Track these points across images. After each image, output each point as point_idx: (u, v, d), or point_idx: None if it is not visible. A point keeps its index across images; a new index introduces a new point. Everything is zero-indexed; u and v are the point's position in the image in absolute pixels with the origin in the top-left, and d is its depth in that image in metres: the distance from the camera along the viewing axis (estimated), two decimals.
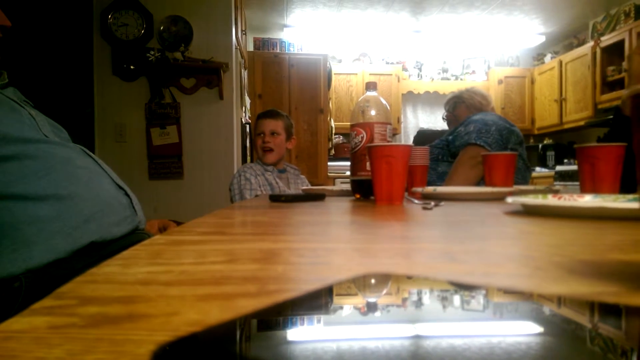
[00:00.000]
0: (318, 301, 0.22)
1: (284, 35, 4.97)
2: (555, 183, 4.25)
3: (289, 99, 4.38)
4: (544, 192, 1.08)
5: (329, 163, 4.64)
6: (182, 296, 0.23)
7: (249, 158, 3.55)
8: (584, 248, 0.37)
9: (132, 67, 2.95)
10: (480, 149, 1.69)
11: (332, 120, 4.91)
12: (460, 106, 2.01)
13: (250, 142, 3.64)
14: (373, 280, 0.25)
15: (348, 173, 1.11)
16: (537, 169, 4.95)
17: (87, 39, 2.98)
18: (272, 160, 2.12)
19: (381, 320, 0.19)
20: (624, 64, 4.12)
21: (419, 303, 0.21)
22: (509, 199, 0.71)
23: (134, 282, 0.26)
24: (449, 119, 2.09)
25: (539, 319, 0.19)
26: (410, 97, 5.58)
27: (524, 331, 0.17)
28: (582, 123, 4.62)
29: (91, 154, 1.02)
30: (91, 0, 2.92)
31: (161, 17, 2.95)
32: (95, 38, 2.94)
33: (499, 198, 0.99)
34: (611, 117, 4.12)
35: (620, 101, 1.87)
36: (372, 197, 1.03)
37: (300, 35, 4.97)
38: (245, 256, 0.34)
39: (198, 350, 0.15)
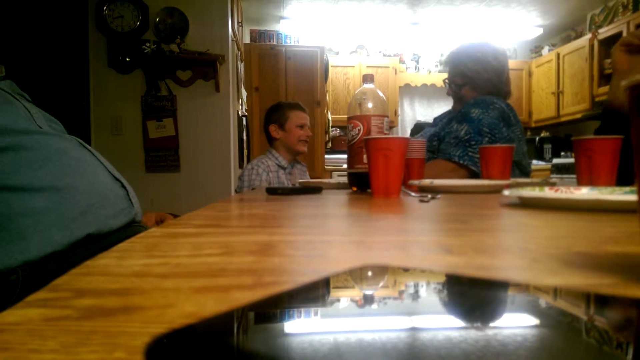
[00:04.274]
0: (315, 293, 0.22)
1: (281, 27, 4.94)
2: (552, 176, 4.26)
3: (286, 92, 4.37)
4: (541, 184, 1.08)
5: (326, 156, 4.64)
6: (177, 288, 0.23)
7: (245, 151, 3.54)
8: (580, 240, 0.37)
9: (127, 59, 2.93)
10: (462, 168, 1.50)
11: (329, 112, 4.90)
12: (465, 88, 1.72)
13: (247, 135, 3.63)
14: (370, 273, 0.25)
15: (345, 166, 1.11)
16: (534, 161, 4.96)
17: (82, 31, 2.96)
18: (306, 150, 2.28)
19: (378, 312, 0.19)
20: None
21: (415, 295, 0.21)
22: (506, 192, 0.71)
23: (129, 274, 0.26)
24: (456, 96, 1.77)
25: (534, 311, 0.19)
26: (408, 90, 5.57)
27: (520, 323, 0.17)
28: (579, 116, 4.63)
29: (87, 145, 1.01)
30: None
31: (157, 9, 2.93)
32: (91, 30, 2.92)
33: (496, 191, 1.00)
34: None
35: (607, 95, 1.76)
36: (369, 190, 1.03)
37: (297, 27, 4.95)
38: (241, 248, 0.34)
39: (193, 342, 0.15)
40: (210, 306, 0.20)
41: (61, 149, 0.89)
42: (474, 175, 1.50)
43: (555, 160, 4.52)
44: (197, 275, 0.26)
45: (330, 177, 4.56)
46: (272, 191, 1.03)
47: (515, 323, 0.17)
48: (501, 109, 1.58)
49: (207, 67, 2.99)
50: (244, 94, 3.93)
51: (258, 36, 4.72)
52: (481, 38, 1.90)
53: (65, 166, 0.87)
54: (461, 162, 1.49)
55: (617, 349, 0.14)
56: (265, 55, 4.38)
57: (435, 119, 1.91)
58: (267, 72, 4.37)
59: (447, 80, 1.81)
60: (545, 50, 5.39)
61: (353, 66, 5.16)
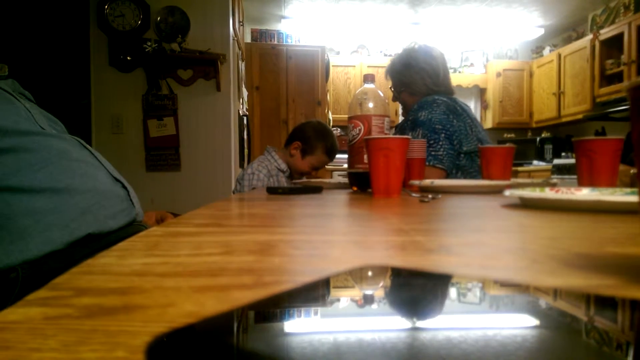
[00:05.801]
0: (315, 293, 0.22)
1: (282, 26, 4.94)
2: (552, 176, 4.26)
3: (287, 91, 4.37)
4: (542, 185, 1.08)
5: None
6: (177, 287, 0.23)
7: (246, 150, 3.54)
8: (580, 241, 0.37)
9: (128, 58, 2.93)
10: (430, 167, 1.50)
11: (329, 112, 4.90)
12: (404, 94, 1.80)
13: (248, 134, 3.64)
14: (370, 273, 0.25)
15: (345, 166, 1.11)
16: (535, 162, 4.96)
17: (83, 30, 2.95)
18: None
19: (378, 312, 0.19)
20: (623, 57, 4.11)
21: (414, 295, 0.21)
22: (507, 192, 0.71)
23: (129, 273, 0.26)
24: (400, 103, 1.87)
25: (535, 311, 0.19)
26: None
27: (520, 324, 0.17)
28: (580, 116, 4.62)
29: (88, 146, 1.01)
30: None
31: (158, 8, 2.93)
32: (92, 29, 2.91)
33: (497, 191, 1.00)
34: (609, 110, 4.12)
35: None
36: (369, 190, 1.03)
37: (298, 26, 4.94)
38: (241, 248, 0.34)
39: (193, 341, 0.15)
40: (211, 305, 0.20)
41: (62, 150, 0.89)
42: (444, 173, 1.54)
43: (556, 161, 4.52)
44: (198, 275, 0.26)
45: (331, 177, 4.56)
46: (273, 191, 1.03)
47: (515, 323, 0.17)
48: (444, 103, 1.62)
49: (208, 66, 2.99)
50: (245, 93, 3.93)
51: (259, 35, 4.71)
52: (418, 42, 1.93)
53: (66, 168, 0.87)
54: (426, 164, 1.49)
55: (617, 350, 0.14)
56: (266, 55, 4.38)
57: (395, 127, 1.92)
58: (268, 71, 4.36)
59: (392, 89, 1.89)
60: (546, 51, 5.39)
61: (354, 66, 5.16)
